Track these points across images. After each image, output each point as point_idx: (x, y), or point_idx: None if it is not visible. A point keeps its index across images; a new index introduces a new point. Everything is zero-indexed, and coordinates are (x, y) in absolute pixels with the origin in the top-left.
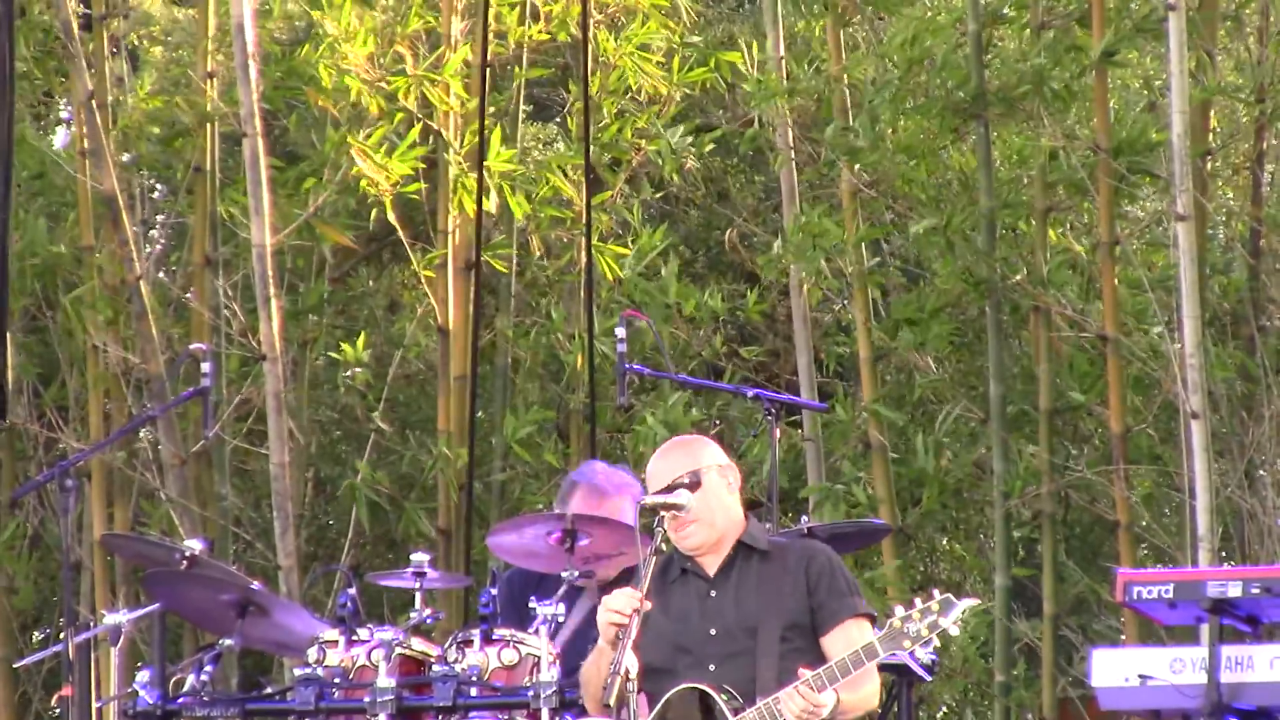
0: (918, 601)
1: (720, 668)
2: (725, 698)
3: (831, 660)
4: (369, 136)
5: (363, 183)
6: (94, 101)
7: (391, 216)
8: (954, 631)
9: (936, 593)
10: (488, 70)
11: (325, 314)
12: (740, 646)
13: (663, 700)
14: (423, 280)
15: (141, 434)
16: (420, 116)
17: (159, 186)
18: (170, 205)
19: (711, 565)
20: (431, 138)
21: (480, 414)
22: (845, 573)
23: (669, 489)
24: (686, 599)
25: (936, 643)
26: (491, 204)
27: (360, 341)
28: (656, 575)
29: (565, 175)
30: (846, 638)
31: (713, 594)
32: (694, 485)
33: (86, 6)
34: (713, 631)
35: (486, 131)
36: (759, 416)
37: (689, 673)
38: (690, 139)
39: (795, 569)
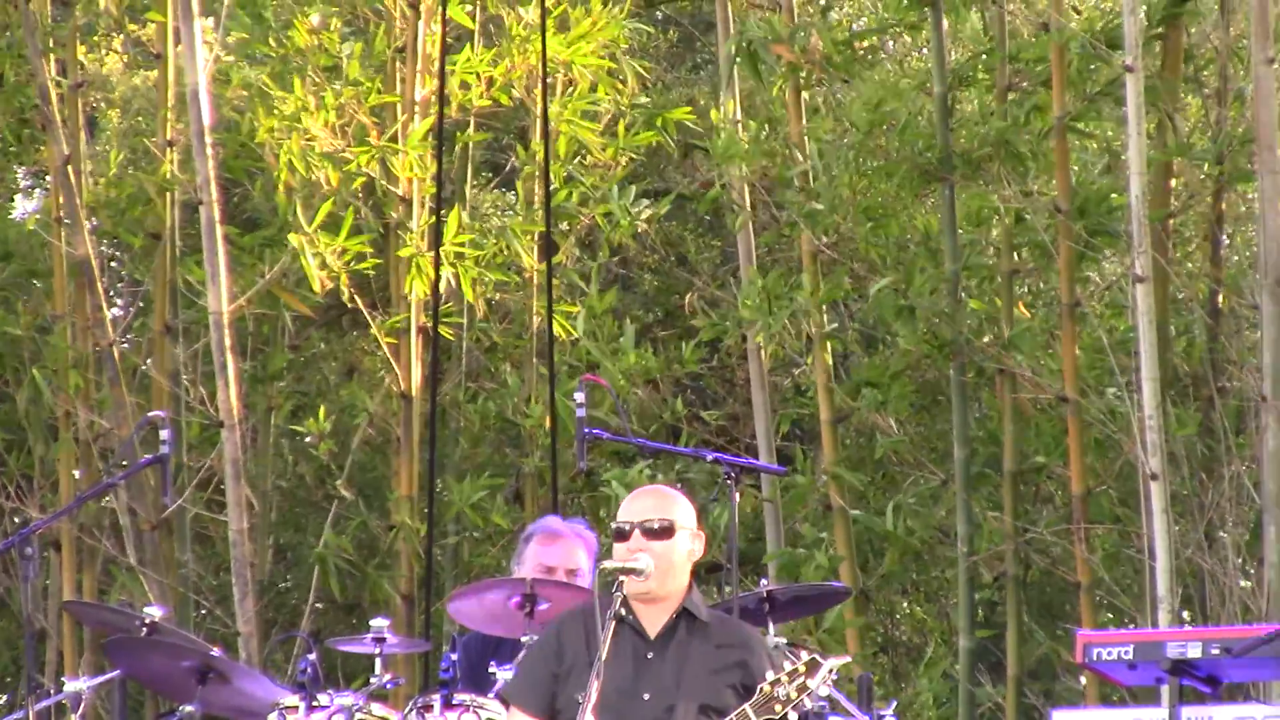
0: (786, 665)
1: None
2: None
3: None
4: (314, 216)
5: (313, 264)
6: (69, 168)
7: (345, 295)
8: (823, 692)
9: (804, 654)
10: (442, 137)
11: (285, 380)
12: (666, 718)
13: None
14: (384, 346)
15: (109, 501)
16: (379, 185)
17: (118, 255)
18: (131, 272)
19: (652, 625)
20: (386, 208)
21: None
22: (777, 662)
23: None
24: (621, 653)
25: (809, 704)
26: (444, 282)
27: (321, 413)
28: (590, 619)
29: (519, 240)
30: None
31: (650, 656)
32: (666, 533)
33: (63, 74)
34: (646, 697)
35: (442, 207)
36: (718, 480)
37: None
38: (646, 202)
39: (729, 652)
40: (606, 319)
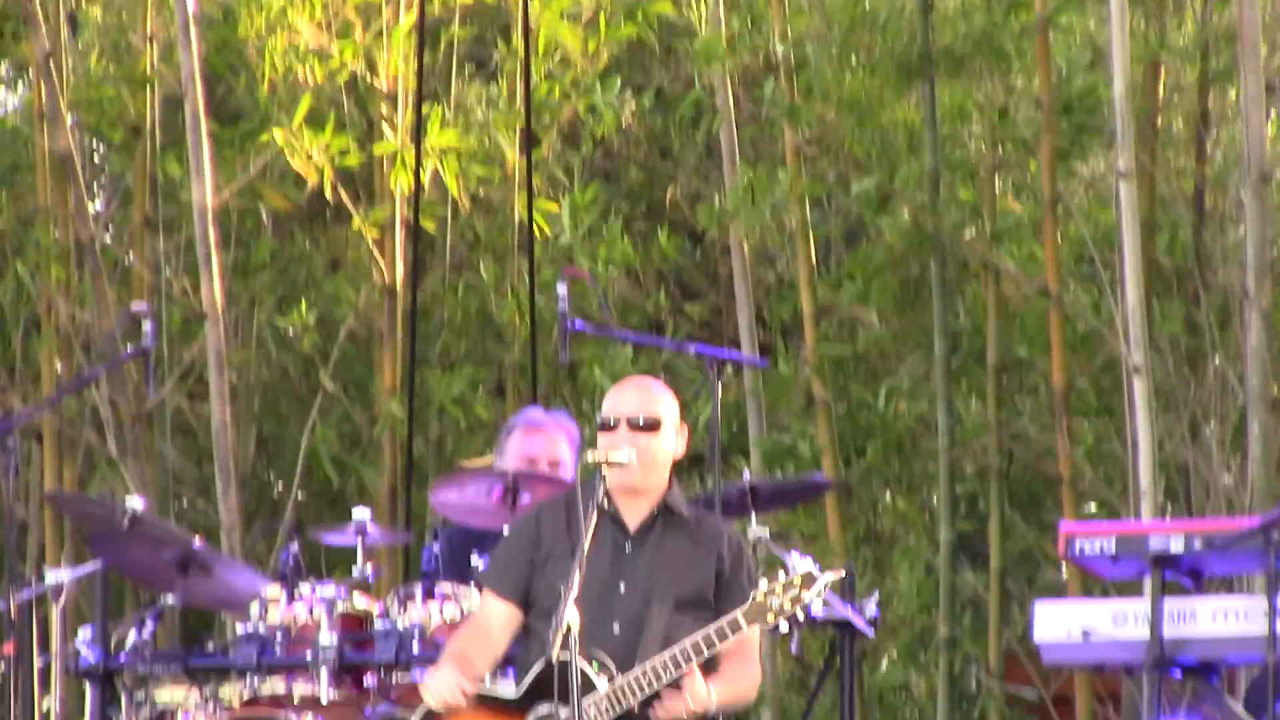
0: (781, 575)
1: (624, 630)
2: (596, 667)
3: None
4: (295, 113)
5: (297, 157)
6: (50, 62)
7: (328, 189)
8: (816, 605)
9: (798, 567)
10: (424, 33)
11: (269, 274)
12: (643, 611)
13: (534, 672)
14: (368, 240)
15: (91, 392)
16: (362, 81)
17: (100, 148)
18: (112, 166)
19: (632, 517)
20: (370, 104)
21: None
22: (752, 563)
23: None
24: (601, 545)
25: (800, 616)
26: (426, 177)
27: (304, 305)
28: (571, 507)
29: (502, 135)
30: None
31: (628, 549)
32: (652, 427)
33: None
34: (622, 589)
35: (426, 106)
36: (701, 373)
37: (590, 629)
38: (629, 96)
39: (707, 546)
40: (592, 211)
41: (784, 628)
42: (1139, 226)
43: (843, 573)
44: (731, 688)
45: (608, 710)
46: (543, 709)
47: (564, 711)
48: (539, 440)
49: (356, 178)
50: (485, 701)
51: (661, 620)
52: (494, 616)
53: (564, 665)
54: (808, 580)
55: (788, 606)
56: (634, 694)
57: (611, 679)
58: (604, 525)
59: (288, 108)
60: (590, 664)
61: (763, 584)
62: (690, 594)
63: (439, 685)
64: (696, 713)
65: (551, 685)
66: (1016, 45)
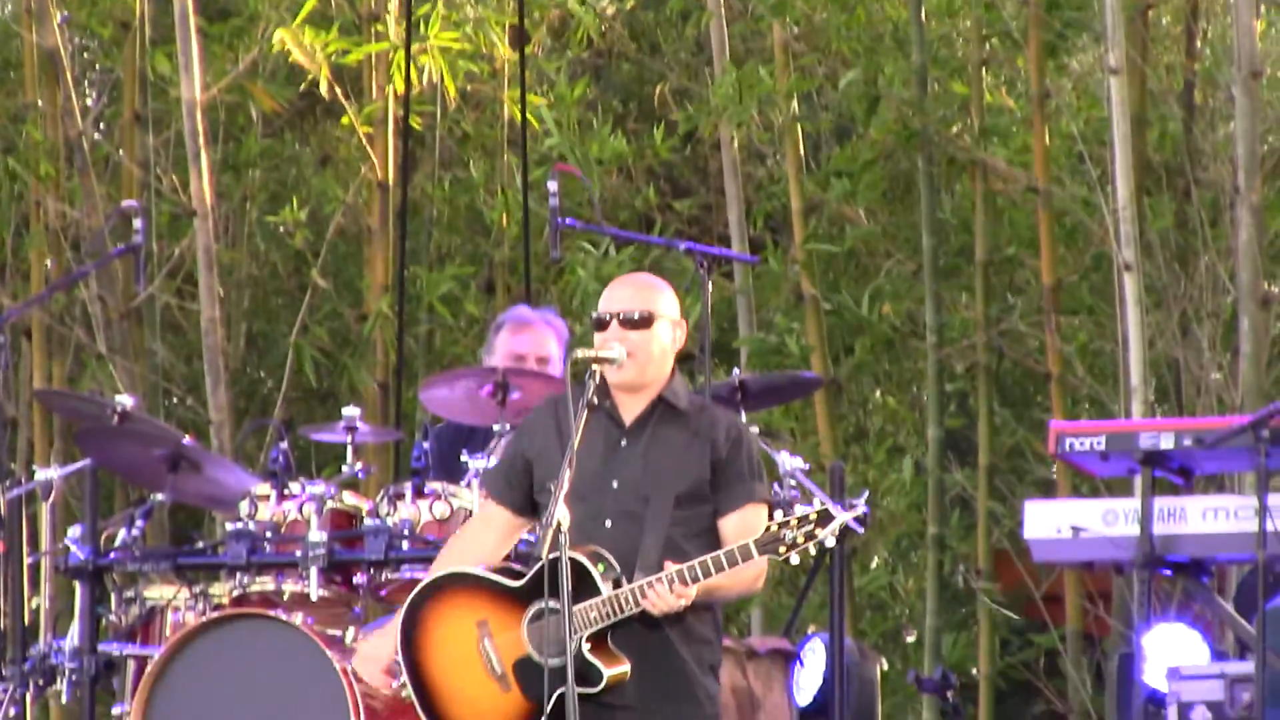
0: (798, 509)
1: (616, 525)
2: (602, 568)
3: (724, 547)
4: (299, 8)
5: (292, 56)
6: None
7: (325, 88)
8: (830, 543)
9: (817, 502)
10: None
11: (259, 169)
12: (637, 508)
13: (537, 567)
14: (360, 136)
15: (80, 290)
16: None
17: (88, 44)
18: (101, 62)
19: (629, 412)
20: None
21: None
22: (753, 453)
23: (621, 319)
24: (594, 440)
25: (812, 551)
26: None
27: (295, 201)
28: (561, 406)
29: (493, 30)
30: (743, 522)
31: (624, 444)
32: (644, 323)
33: None
34: (615, 484)
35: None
36: (691, 269)
37: (583, 524)
38: None
39: (704, 435)
40: (578, 108)
41: (795, 560)
42: (1130, 123)
43: (860, 510)
44: (733, 578)
45: (607, 615)
46: (540, 604)
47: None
48: (526, 337)
49: (346, 75)
50: (489, 585)
51: (661, 518)
52: (490, 519)
53: (558, 562)
54: (824, 517)
55: (800, 541)
56: (634, 604)
57: (617, 582)
58: (599, 422)
59: (276, 4)
60: (596, 565)
61: (778, 514)
62: (689, 489)
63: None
64: (675, 605)
65: (555, 581)
66: None
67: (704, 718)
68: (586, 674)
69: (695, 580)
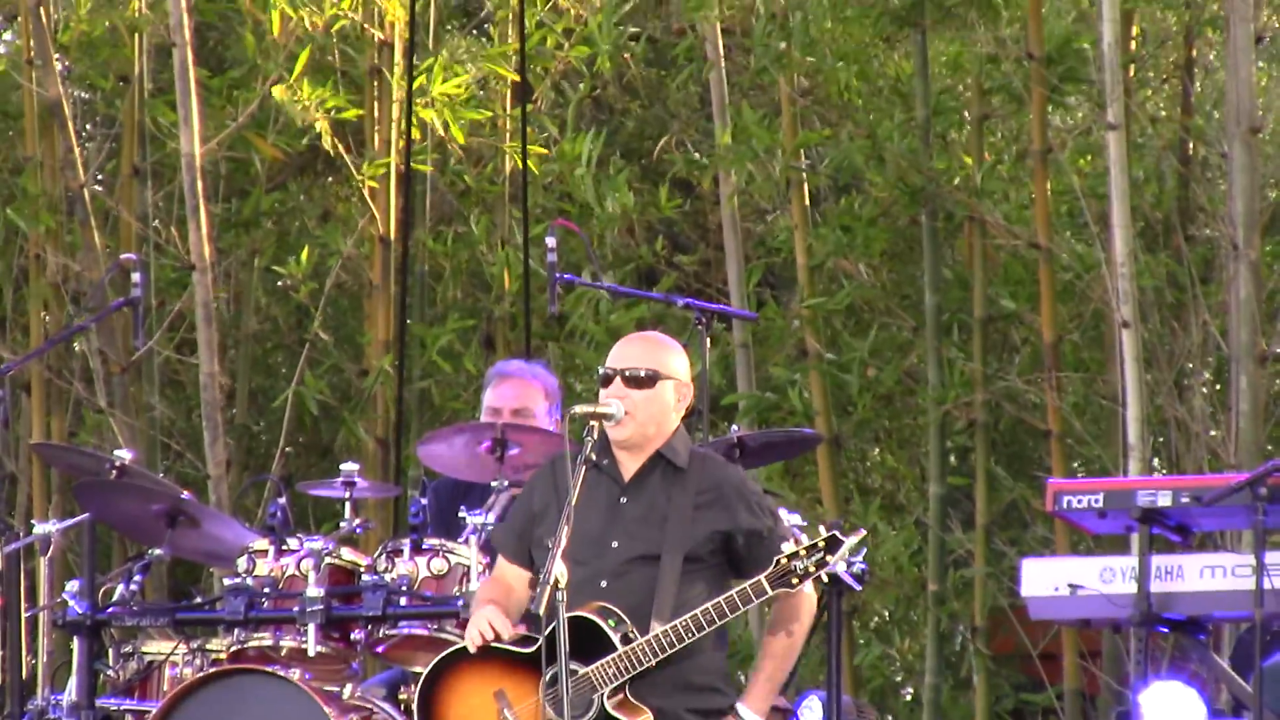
0: (804, 538)
1: (613, 584)
2: (612, 623)
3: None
4: (288, 63)
5: (297, 108)
6: (40, 9)
7: (327, 141)
8: (840, 569)
9: (823, 529)
10: None
11: (262, 225)
12: (637, 569)
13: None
14: (365, 191)
15: (80, 344)
16: (357, 29)
17: (87, 97)
18: (102, 113)
19: (628, 469)
20: (363, 53)
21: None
22: (760, 498)
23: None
24: (594, 497)
25: (824, 578)
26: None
27: (304, 254)
28: (561, 464)
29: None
30: None
31: (622, 501)
32: (649, 382)
33: None
34: (615, 544)
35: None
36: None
37: (581, 586)
38: (622, 45)
39: (709, 499)
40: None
41: (808, 589)
42: (1128, 178)
43: (863, 533)
44: (775, 670)
45: (626, 670)
46: (554, 668)
47: (578, 667)
48: (504, 389)
49: (348, 127)
50: (500, 655)
51: (672, 574)
52: (509, 576)
53: (572, 621)
54: (832, 544)
55: (812, 569)
56: (653, 655)
57: (627, 636)
58: (599, 482)
59: (276, 57)
60: (606, 620)
61: (786, 546)
62: (694, 549)
63: (481, 621)
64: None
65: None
66: None
67: None
68: None
69: (711, 623)
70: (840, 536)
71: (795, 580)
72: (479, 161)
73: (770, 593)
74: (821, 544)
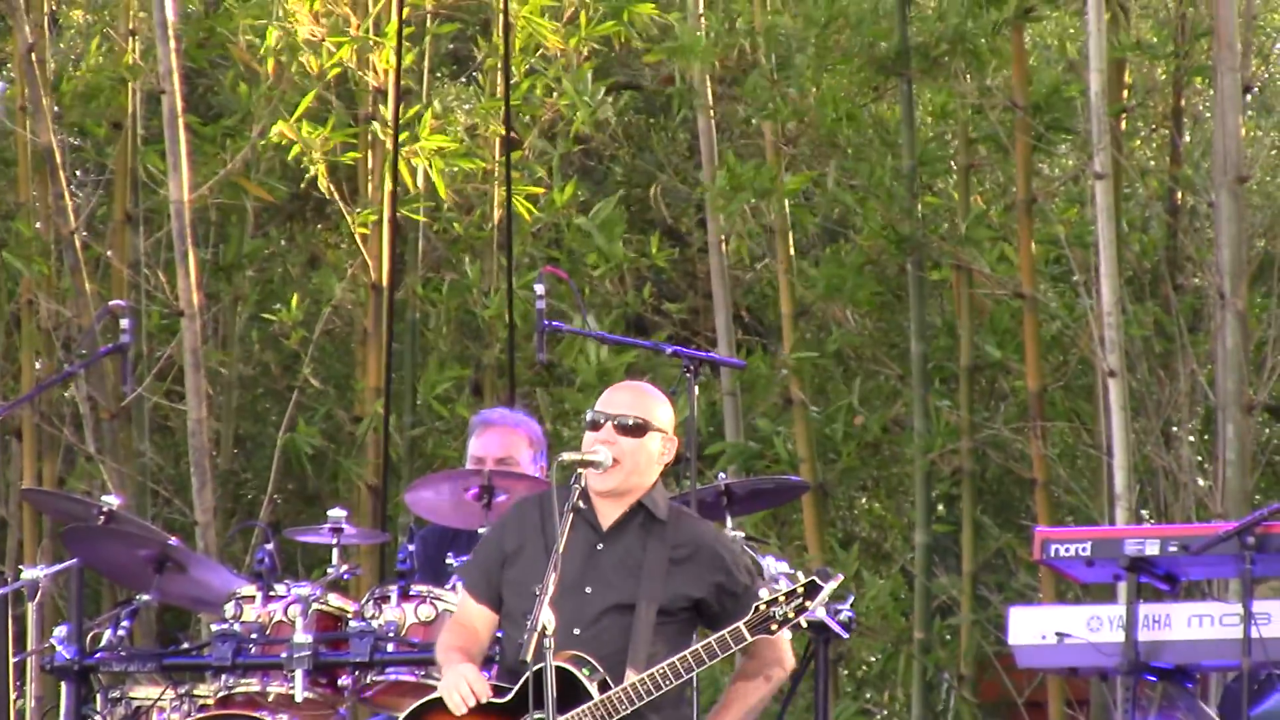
0: (784, 583)
1: (585, 632)
2: (587, 671)
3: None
4: (295, 107)
5: (294, 150)
6: (33, 56)
7: (324, 184)
8: (819, 614)
9: (802, 575)
10: (404, 30)
11: (251, 270)
12: (611, 617)
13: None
14: (355, 237)
15: (70, 390)
16: (351, 76)
17: (78, 144)
18: (93, 159)
19: (607, 517)
20: (359, 100)
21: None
22: (739, 556)
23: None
24: (573, 546)
25: (803, 624)
26: (418, 179)
27: (294, 301)
28: (546, 506)
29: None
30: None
31: (599, 548)
32: (639, 430)
33: None
34: (589, 590)
35: (418, 105)
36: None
37: (554, 634)
38: (610, 96)
39: (684, 548)
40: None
41: (787, 635)
42: (1115, 228)
43: (840, 578)
44: (744, 714)
45: (603, 718)
46: (539, 715)
47: (554, 717)
48: (488, 438)
49: (340, 173)
50: (477, 706)
51: (647, 622)
52: (473, 616)
53: (554, 670)
54: (811, 589)
55: (791, 615)
56: (629, 704)
57: (603, 684)
58: (577, 525)
59: (271, 103)
60: (580, 669)
61: (764, 593)
62: (669, 602)
63: (460, 684)
64: None
65: (540, 689)
66: (990, 45)
67: None
68: None
69: (689, 669)
70: (819, 582)
71: (774, 627)
72: (470, 209)
73: (748, 639)
74: (800, 590)
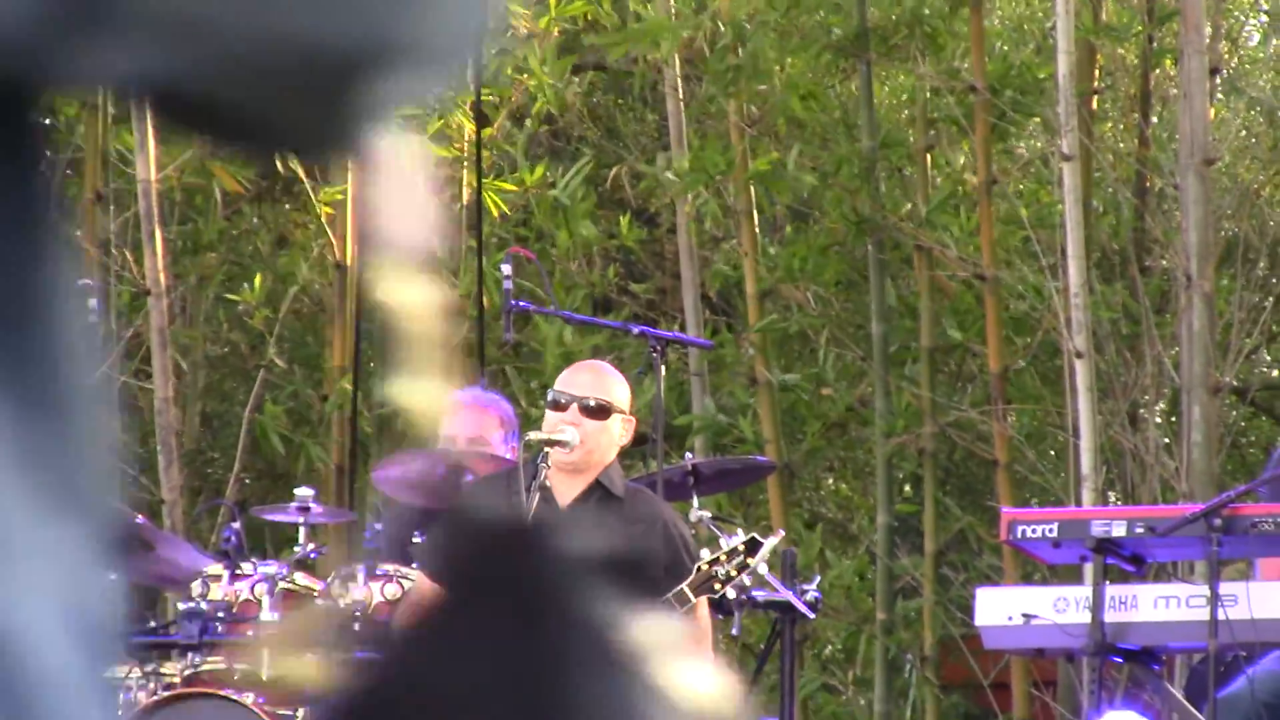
0: (724, 542)
1: None
2: None
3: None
4: None
5: None
6: None
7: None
8: (763, 569)
9: (741, 533)
10: None
11: (219, 250)
12: None
13: None
14: (322, 216)
15: None
16: None
17: (48, 123)
18: (64, 139)
19: (565, 494)
20: None
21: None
22: (688, 541)
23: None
24: None
25: (747, 582)
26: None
27: (257, 281)
28: (510, 483)
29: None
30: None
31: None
32: (603, 412)
33: None
34: None
35: None
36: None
37: None
38: (576, 77)
39: (644, 526)
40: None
41: (731, 595)
42: (1083, 210)
43: (782, 534)
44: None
45: None
46: None
47: None
48: (456, 419)
49: None
50: None
51: None
52: (427, 594)
53: None
54: (752, 546)
55: (733, 573)
56: None
57: None
58: (536, 503)
59: None
60: None
61: (705, 553)
62: None
63: None
64: None
65: None
66: (948, 28)
67: None
68: None
69: None
70: (759, 539)
71: (718, 585)
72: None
73: (693, 600)
74: (741, 547)
